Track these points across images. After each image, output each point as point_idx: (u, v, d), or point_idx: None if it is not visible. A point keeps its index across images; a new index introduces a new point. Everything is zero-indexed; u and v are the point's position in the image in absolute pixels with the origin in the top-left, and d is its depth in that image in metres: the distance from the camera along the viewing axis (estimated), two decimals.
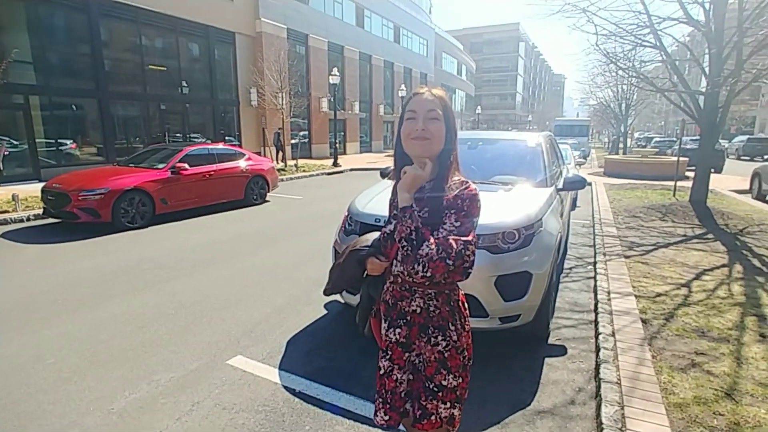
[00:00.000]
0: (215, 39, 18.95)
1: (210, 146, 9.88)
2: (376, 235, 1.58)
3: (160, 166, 8.43)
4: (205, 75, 18.97)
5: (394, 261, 1.45)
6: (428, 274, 1.27)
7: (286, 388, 2.93)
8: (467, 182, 1.35)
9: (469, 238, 1.29)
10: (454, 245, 1.26)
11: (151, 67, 16.69)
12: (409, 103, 1.40)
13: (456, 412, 1.43)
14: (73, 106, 14.73)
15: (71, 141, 14.61)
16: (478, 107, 47.85)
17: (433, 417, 1.40)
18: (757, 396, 2.61)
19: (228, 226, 7.94)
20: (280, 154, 19.08)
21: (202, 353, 3.38)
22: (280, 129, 18.99)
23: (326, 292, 1.70)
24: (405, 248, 1.30)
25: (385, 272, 1.52)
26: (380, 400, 1.50)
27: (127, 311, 4.15)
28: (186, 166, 8.52)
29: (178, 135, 18.04)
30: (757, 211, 8.99)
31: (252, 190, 10.05)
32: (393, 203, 1.51)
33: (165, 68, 17.30)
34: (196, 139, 18.33)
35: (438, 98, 1.38)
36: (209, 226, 7.94)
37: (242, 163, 9.90)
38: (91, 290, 4.71)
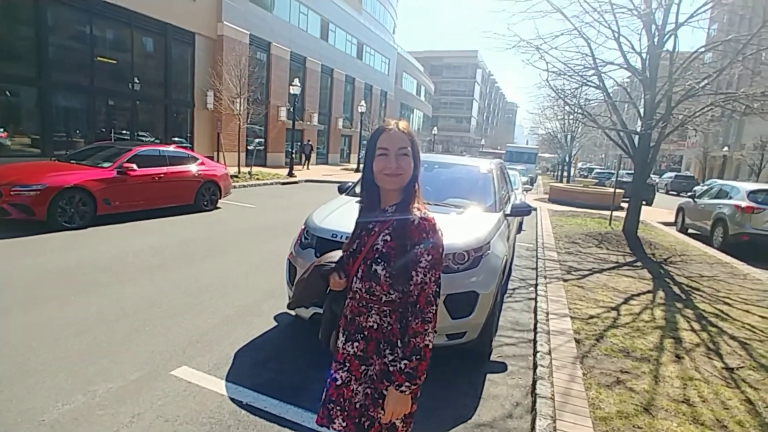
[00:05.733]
0: (173, 37, 18.38)
1: (161, 148, 9.55)
2: (341, 253, 1.67)
3: (106, 165, 8.04)
4: (160, 73, 18.30)
5: (354, 278, 1.53)
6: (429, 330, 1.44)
7: (232, 400, 2.90)
8: (426, 213, 1.47)
9: (438, 275, 1.46)
10: (428, 309, 1.43)
11: (100, 59, 15.90)
12: (379, 139, 1.49)
13: (398, 422, 1.53)
14: (7, 92, 13.71)
15: (2, 129, 13.55)
16: (435, 128, 49.12)
17: (376, 423, 1.50)
18: (671, 411, 2.90)
19: (176, 231, 7.68)
20: (305, 160, 25.02)
21: (144, 363, 3.27)
22: (309, 141, 25.61)
23: (290, 306, 1.79)
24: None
25: (346, 288, 1.60)
26: (338, 408, 1.56)
27: (63, 317, 3.93)
28: (134, 166, 8.17)
29: (125, 132, 17.21)
30: (680, 242, 9.87)
31: (203, 196, 9.77)
32: (358, 222, 1.61)
33: (116, 62, 16.53)
34: (144, 138, 17.57)
35: (407, 134, 1.50)
36: (155, 230, 7.64)
37: (194, 168, 9.63)
38: (23, 292, 4.41)
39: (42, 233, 6.73)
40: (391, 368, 1.46)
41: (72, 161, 8.40)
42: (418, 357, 1.41)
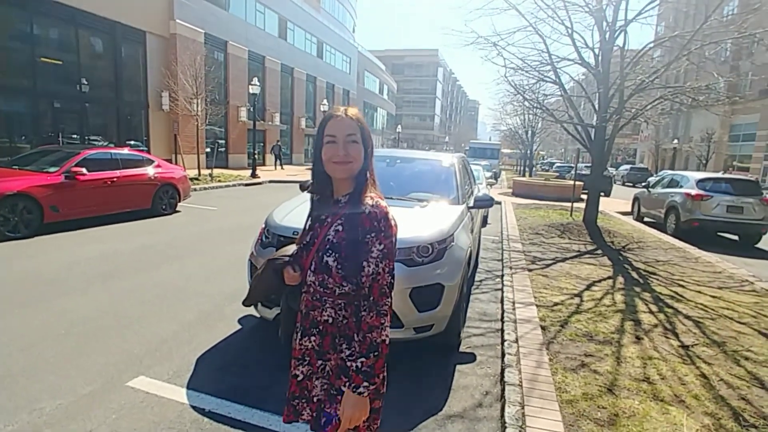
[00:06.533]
0: (123, 36, 17.59)
1: (113, 150, 9.10)
2: (295, 247, 1.60)
3: (52, 169, 7.57)
4: (110, 73, 17.47)
5: (308, 271, 1.47)
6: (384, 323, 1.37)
7: (194, 408, 2.77)
8: (378, 202, 1.41)
9: (392, 266, 1.40)
10: (381, 302, 1.36)
11: (43, 59, 15.01)
12: (327, 126, 1.42)
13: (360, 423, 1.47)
14: None
15: None
16: (399, 126, 49.33)
17: (333, 420, 1.44)
18: (632, 390, 2.98)
19: (132, 237, 7.32)
20: (277, 161, 25.72)
21: (97, 376, 3.07)
22: (278, 141, 26.39)
23: (245, 303, 1.72)
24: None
25: (302, 283, 1.53)
26: (303, 400, 1.52)
27: (4, 332, 3.65)
28: (84, 171, 7.73)
29: (75, 136, 16.33)
30: (637, 230, 10.29)
31: (161, 200, 9.38)
32: (311, 215, 1.55)
33: (61, 62, 15.66)
34: (96, 142, 16.73)
35: (356, 120, 1.43)
36: (110, 237, 7.26)
37: (150, 171, 9.23)
38: None
39: None
40: (348, 363, 1.40)
41: (14, 167, 7.88)
42: (375, 354, 1.34)
